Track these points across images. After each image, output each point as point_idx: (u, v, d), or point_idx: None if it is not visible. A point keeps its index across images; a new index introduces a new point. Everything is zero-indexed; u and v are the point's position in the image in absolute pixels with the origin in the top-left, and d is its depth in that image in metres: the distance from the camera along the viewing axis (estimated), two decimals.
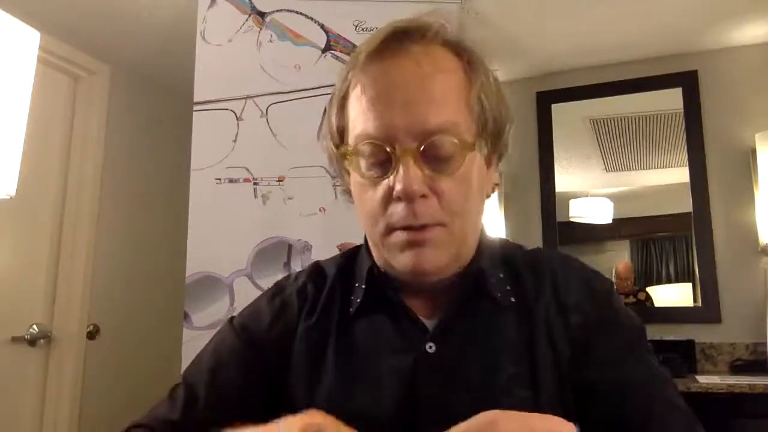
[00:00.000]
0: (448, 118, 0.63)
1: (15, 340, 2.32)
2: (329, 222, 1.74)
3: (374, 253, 0.71)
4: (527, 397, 0.61)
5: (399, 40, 0.65)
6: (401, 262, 0.64)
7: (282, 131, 1.79)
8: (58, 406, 2.41)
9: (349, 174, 0.70)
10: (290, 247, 1.74)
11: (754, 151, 2.45)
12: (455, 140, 0.63)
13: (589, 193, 2.88)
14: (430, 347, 0.64)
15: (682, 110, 2.65)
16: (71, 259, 2.52)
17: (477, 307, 0.66)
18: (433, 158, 0.62)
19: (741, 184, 2.53)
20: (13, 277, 2.34)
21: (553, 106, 2.83)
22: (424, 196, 0.62)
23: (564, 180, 2.84)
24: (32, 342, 2.37)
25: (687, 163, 2.62)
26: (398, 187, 0.61)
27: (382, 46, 0.65)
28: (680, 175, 2.63)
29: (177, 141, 2.38)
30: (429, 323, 0.66)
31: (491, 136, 0.68)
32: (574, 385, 0.62)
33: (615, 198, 2.86)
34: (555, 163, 2.83)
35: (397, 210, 0.62)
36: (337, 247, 1.66)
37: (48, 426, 2.40)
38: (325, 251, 1.74)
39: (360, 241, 0.75)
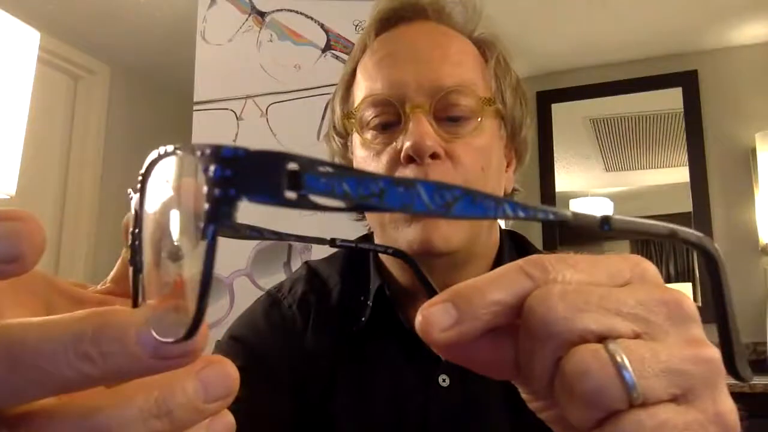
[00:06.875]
0: (464, 77, 0.56)
1: None
2: (329, 222, 1.74)
3: (379, 240, 0.61)
4: None
5: (413, 11, 0.59)
6: (407, 237, 0.54)
7: (282, 131, 1.79)
8: None
9: None
10: (290, 247, 1.74)
11: (754, 151, 2.44)
12: (471, 97, 0.56)
13: (589, 193, 2.88)
14: (444, 380, 0.57)
15: (682, 110, 2.65)
16: (71, 259, 2.51)
17: None
18: (447, 119, 0.55)
19: (741, 184, 2.53)
20: None
21: (553, 105, 2.83)
22: (437, 156, 0.53)
23: (564, 180, 2.84)
24: None
25: (687, 163, 2.61)
26: (407, 143, 0.52)
27: (394, 14, 0.59)
28: (680, 175, 2.63)
29: (177, 141, 2.36)
30: None
31: (509, 124, 0.62)
32: None
33: (615, 198, 2.86)
34: (555, 163, 2.83)
35: (405, 173, 0.53)
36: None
37: None
38: (324, 251, 1.74)
39: None
